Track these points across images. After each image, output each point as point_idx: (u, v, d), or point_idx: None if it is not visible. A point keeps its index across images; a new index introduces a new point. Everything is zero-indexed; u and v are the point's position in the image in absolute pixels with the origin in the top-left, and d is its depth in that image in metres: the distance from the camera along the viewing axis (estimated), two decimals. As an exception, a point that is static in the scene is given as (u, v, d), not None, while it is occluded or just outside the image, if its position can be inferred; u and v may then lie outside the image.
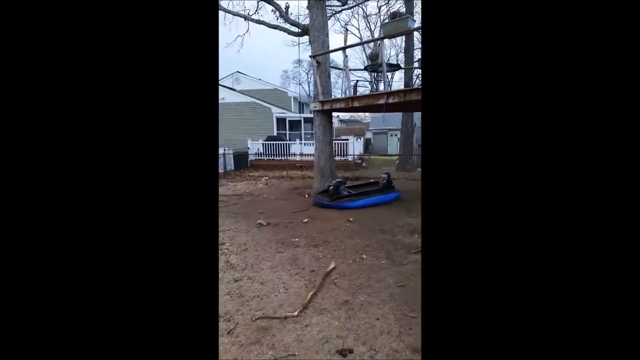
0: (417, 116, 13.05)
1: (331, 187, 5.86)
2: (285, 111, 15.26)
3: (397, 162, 12.40)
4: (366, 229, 4.38)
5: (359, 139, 14.89)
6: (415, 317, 2.20)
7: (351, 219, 4.83)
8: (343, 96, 6.00)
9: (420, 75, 11.46)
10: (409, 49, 10.68)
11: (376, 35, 14.65)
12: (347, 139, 12.34)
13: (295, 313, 2.29)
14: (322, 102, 6.23)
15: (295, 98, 17.42)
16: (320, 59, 6.31)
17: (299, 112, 16.80)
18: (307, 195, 6.89)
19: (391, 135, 21.66)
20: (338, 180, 6.16)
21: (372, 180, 7.56)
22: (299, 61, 29.78)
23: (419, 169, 11.73)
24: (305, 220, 4.84)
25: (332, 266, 3.06)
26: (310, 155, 8.17)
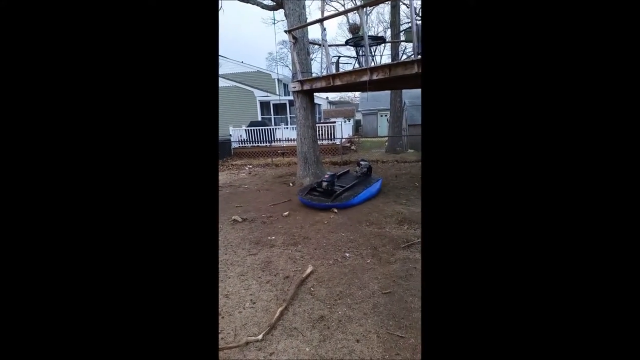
0: (406, 94, 12.52)
1: (325, 183, 4.85)
2: (269, 94, 14.53)
3: (386, 143, 11.95)
4: (352, 220, 3.99)
5: (347, 121, 14.36)
6: (403, 337, 1.83)
7: (336, 210, 4.43)
8: (323, 74, 5.46)
9: (405, 50, 10.84)
10: (394, 22, 10.02)
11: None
12: (334, 122, 11.81)
13: (260, 336, 1.90)
14: (302, 82, 5.69)
15: (279, 80, 16.54)
16: (297, 34, 5.71)
17: (284, 95, 16.02)
18: (291, 184, 6.46)
19: (381, 116, 21.06)
20: (330, 174, 5.10)
21: (344, 171, 6.00)
22: (284, 42, 28.51)
23: (410, 150, 11.33)
24: (286, 213, 4.43)
25: (309, 270, 2.67)
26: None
